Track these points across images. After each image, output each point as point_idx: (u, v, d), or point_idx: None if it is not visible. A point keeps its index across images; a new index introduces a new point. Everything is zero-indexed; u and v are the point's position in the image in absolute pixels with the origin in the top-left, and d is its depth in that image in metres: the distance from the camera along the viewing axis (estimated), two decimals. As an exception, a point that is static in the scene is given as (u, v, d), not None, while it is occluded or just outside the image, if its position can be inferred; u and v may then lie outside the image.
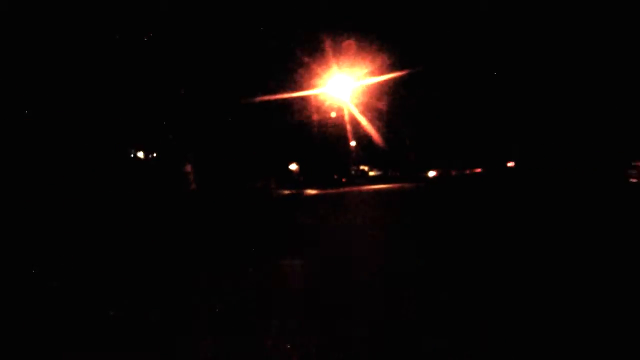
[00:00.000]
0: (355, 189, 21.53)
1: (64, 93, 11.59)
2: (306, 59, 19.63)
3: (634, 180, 12.26)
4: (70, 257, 4.99)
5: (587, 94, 18.88)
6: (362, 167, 43.64)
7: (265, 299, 3.02)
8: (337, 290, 3.14)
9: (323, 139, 27.69)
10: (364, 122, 30.65)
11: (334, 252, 4.72)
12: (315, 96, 23.11)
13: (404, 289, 3.04)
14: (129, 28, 13.09)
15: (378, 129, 31.83)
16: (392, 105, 28.09)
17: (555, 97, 20.02)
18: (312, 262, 4.18)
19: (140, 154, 16.18)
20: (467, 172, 24.12)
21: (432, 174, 24.77)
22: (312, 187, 21.91)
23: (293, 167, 27.64)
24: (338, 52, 20.17)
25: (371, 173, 46.83)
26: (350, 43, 19.87)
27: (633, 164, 12.53)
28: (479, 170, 24.13)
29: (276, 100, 18.19)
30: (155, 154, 16.33)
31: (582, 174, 15.77)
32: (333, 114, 26.88)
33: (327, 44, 20.13)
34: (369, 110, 29.35)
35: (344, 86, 23.93)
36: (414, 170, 30.31)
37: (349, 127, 31.03)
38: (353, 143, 36.15)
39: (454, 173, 24.04)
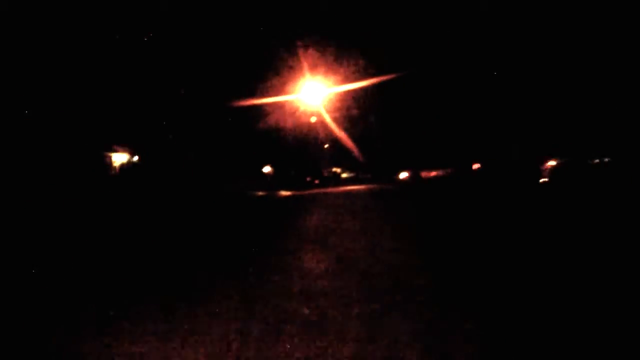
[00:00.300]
0: (326, 190, 21.91)
1: (54, 94, 11.47)
2: (281, 65, 19.92)
3: (545, 180, 12.33)
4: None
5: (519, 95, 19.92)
6: (334, 169, 44.14)
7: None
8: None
9: (297, 142, 27.99)
10: (336, 125, 31.13)
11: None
12: (290, 101, 23.36)
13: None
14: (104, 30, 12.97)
15: (350, 132, 32.37)
16: (363, 109, 28.69)
17: (511, 99, 20.93)
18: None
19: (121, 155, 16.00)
20: (432, 174, 24.80)
21: (403, 175, 25.47)
22: (285, 189, 22.08)
23: (267, 169, 27.81)
24: (312, 59, 20.52)
25: (343, 175, 47.37)
26: (324, 50, 20.30)
27: (544, 164, 12.75)
28: (443, 171, 24.93)
29: (252, 105, 18.35)
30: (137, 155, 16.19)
31: (508, 174, 16.91)
32: (312, 119, 27.24)
33: (302, 51, 20.46)
34: (342, 114, 29.83)
35: (318, 91, 24.32)
36: (385, 172, 31.03)
37: (322, 130, 31.49)
38: (326, 145, 36.68)
39: (424, 175, 24.85)
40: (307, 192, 21.53)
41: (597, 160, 12.17)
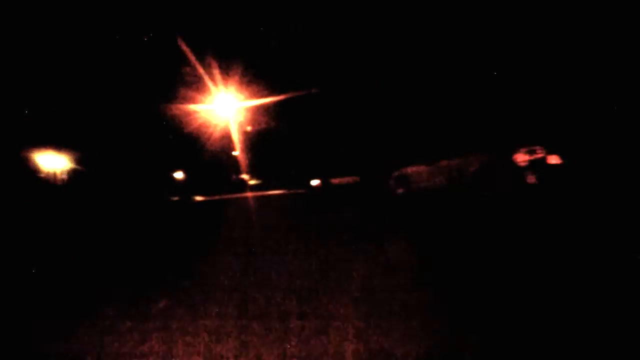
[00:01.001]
0: (238, 196, 22.06)
1: None
2: (196, 72, 19.39)
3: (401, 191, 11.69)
4: None
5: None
6: (243, 176, 43.63)
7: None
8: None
9: (207, 149, 27.20)
10: (247, 134, 30.98)
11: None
12: (204, 110, 22.75)
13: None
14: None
15: (262, 140, 32.46)
16: (275, 119, 29.10)
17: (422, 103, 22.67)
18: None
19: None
20: (345, 181, 25.83)
21: (315, 182, 26.07)
22: (198, 194, 21.25)
23: (179, 175, 26.37)
24: (228, 71, 20.50)
25: (251, 182, 47.13)
26: (239, 65, 20.48)
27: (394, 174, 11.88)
28: (352, 179, 26.10)
29: (168, 110, 17.48)
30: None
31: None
32: (226, 125, 26.73)
33: (217, 62, 20.37)
34: (254, 123, 29.85)
35: (232, 102, 24.15)
36: (296, 179, 31.47)
37: (234, 137, 31.00)
38: (236, 153, 36.07)
39: (336, 182, 25.74)
40: (217, 197, 21.23)
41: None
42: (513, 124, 10.50)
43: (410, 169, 10.29)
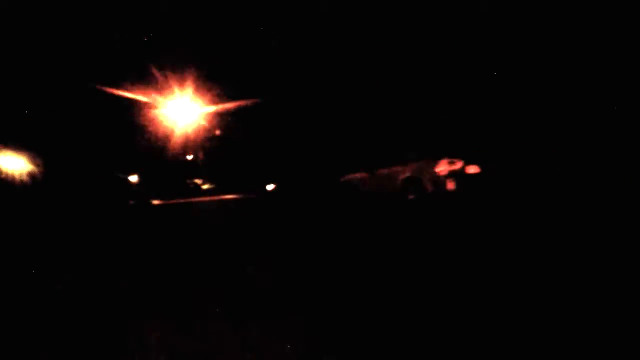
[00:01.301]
0: (196, 200, 22.29)
1: None
2: (156, 71, 19.65)
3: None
4: None
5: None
6: (196, 180, 43.37)
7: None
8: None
9: (162, 151, 27.23)
10: (202, 138, 31.26)
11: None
12: (159, 110, 22.91)
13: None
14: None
15: (216, 144, 32.80)
16: (232, 123, 29.66)
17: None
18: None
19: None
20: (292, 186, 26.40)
21: (270, 187, 26.93)
22: (154, 198, 21.44)
23: (134, 178, 26.10)
24: (191, 74, 20.90)
25: (205, 186, 46.89)
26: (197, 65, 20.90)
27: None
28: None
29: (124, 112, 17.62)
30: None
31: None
32: (178, 128, 26.86)
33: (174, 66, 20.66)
34: (209, 128, 30.19)
35: (189, 104, 24.49)
36: (251, 183, 32.02)
37: (188, 140, 31.13)
38: (190, 157, 36.09)
39: (292, 186, 26.61)
40: (174, 200, 21.45)
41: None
42: (437, 140, 11.97)
43: (354, 176, 11.64)
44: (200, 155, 36.48)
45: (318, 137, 23.73)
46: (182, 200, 22.52)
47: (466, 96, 16.68)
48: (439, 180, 9.76)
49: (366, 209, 9.08)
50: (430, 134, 14.20)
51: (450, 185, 9.80)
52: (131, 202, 17.51)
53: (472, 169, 10.40)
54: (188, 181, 38.48)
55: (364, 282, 2.99)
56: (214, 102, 26.70)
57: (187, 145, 32.38)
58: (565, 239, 4.00)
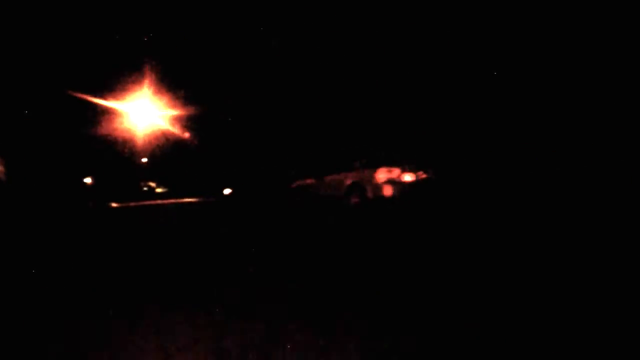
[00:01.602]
0: (153, 202, 22.43)
1: None
2: (113, 74, 19.75)
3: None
4: None
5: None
6: (150, 184, 42.88)
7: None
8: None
9: (117, 154, 27.04)
10: (157, 142, 31.20)
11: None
12: (115, 112, 22.84)
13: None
14: None
15: (174, 149, 32.82)
16: (185, 131, 30.01)
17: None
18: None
19: None
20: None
21: (227, 191, 27.53)
22: (113, 201, 21.41)
23: (88, 180, 25.67)
24: (149, 75, 21.10)
25: (158, 190, 46.39)
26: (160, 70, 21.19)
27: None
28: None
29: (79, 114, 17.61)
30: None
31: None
32: (134, 131, 26.78)
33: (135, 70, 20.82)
34: (165, 133, 30.25)
35: (148, 108, 24.59)
36: (209, 188, 32.37)
37: (142, 144, 30.96)
38: (144, 160, 35.74)
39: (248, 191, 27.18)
40: (133, 203, 21.54)
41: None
42: (377, 150, 13.34)
43: (305, 182, 12.84)
44: (155, 159, 36.20)
45: (271, 146, 24.52)
46: (143, 203, 22.59)
47: (404, 113, 18.06)
48: (379, 186, 11.10)
49: (315, 210, 10.21)
50: (372, 146, 15.53)
51: (388, 190, 11.17)
52: (89, 204, 17.53)
53: (408, 177, 11.86)
54: (142, 184, 38.10)
55: (315, 277, 3.30)
56: (170, 107, 26.93)
57: (142, 149, 32.18)
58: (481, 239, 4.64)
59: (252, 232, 6.83)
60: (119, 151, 27.29)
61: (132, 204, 20.66)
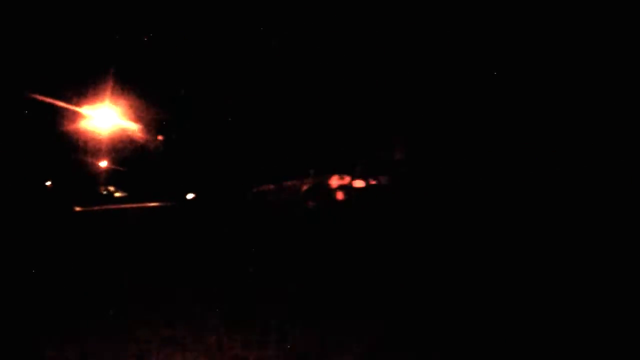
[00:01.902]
0: (112, 206, 22.64)
1: None
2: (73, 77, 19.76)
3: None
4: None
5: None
6: (110, 188, 42.19)
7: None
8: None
9: (75, 157, 26.73)
10: (117, 143, 31.04)
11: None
12: (74, 115, 22.73)
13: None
14: None
15: (130, 152, 32.67)
16: (153, 132, 30.12)
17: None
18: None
19: None
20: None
21: (190, 196, 27.86)
22: (75, 204, 21.41)
23: (47, 183, 25.27)
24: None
25: (117, 194, 45.61)
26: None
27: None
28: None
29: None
30: None
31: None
32: (93, 135, 26.58)
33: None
34: (127, 133, 30.15)
35: (105, 111, 24.59)
36: (172, 192, 32.23)
37: (102, 147, 30.70)
38: (104, 164, 35.28)
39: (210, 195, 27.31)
40: (90, 208, 21.65)
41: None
42: (331, 160, 14.50)
43: (264, 188, 13.97)
44: (115, 163, 35.83)
45: (233, 154, 24.98)
46: (109, 207, 22.65)
47: (355, 124, 18.85)
48: (332, 192, 12.34)
49: (274, 214, 11.34)
50: (326, 155, 16.58)
51: (340, 195, 12.44)
52: (50, 207, 17.56)
53: (358, 183, 13.17)
54: (102, 188, 37.56)
55: (276, 275, 3.65)
56: (131, 110, 26.89)
57: (102, 153, 31.86)
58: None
59: (215, 235, 7.55)
60: (77, 154, 27.03)
61: (96, 208, 20.75)
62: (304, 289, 3.15)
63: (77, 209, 18.75)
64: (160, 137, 30.20)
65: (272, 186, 13.67)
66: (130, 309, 2.83)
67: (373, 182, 14.07)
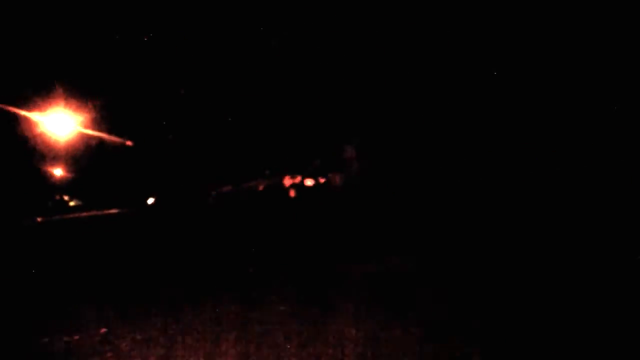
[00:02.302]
0: (78, 215, 22.61)
1: None
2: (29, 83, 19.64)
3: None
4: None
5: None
6: (65, 197, 41.16)
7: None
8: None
9: (26, 165, 26.31)
10: (76, 152, 30.64)
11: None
12: (28, 123, 22.46)
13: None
14: None
15: (86, 158, 32.25)
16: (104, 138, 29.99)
17: None
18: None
19: None
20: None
21: (150, 200, 28.17)
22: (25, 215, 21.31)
23: None
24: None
25: (71, 203, 44.53)
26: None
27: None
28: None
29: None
30: None
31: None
32: (48, 143, 26.20)
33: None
34: (83, 141, 29.83)
35: (60, 118, 24.38)
36: (131, 198, 32.10)
37: (56, 154, 30.20)
38: (59, 172, 34.56)
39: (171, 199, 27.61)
40: (59, 216, 21.64)
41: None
42: (283, 162, 15.75)
43: (223, 189, 15.15)
44: (70, 171, 35.18)
45: (191, 156, 25.40)
46: (70, 216, 22.61)
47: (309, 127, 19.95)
48: (286, 190, 13.68)
49: (232, 213, 12.58)
50: (279, 157, 17.74)
51: (292, 193, 13.82)
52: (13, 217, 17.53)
53: (308, 182, 14.58)
54: (57, 197, 36.71)
55: (235, 271, 3.99)
56: (86, 115, 26.63)
57: (56, 160, 31.26)
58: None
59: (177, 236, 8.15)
60: (28, 162, 26.53)
61: (57, 217, 20.75)
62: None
63: (39, 219, 18.82)
64: (105, 143, 29.98)
65: (229, 187, 14.85)
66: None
67: (323, 180, 15.48)
